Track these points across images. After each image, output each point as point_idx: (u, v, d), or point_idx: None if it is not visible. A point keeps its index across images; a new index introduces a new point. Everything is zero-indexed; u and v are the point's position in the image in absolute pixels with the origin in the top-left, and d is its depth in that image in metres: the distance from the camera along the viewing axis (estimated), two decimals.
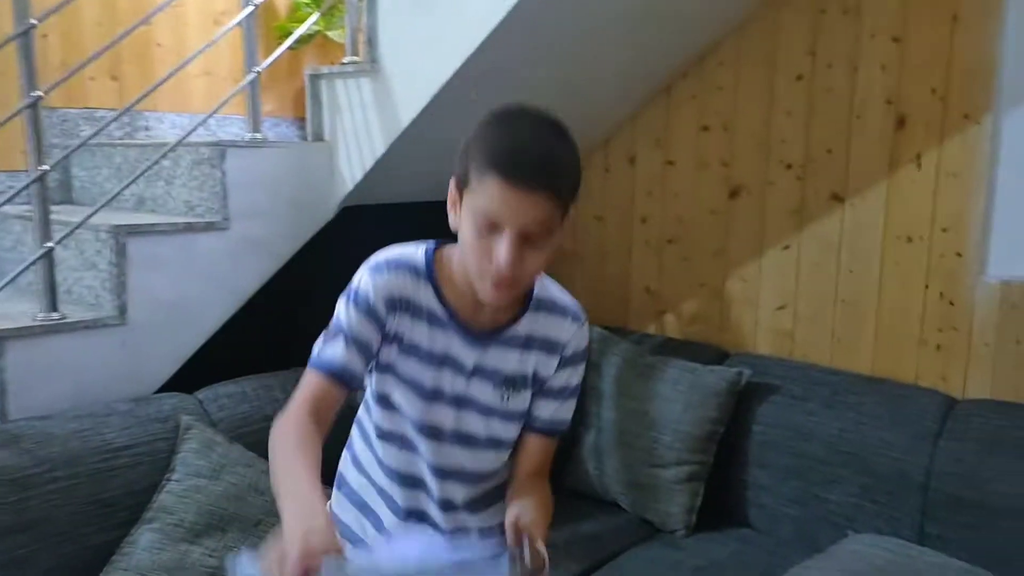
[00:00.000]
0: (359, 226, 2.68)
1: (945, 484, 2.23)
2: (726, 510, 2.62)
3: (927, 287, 2.49)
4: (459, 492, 1.42)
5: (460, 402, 1.37)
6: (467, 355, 1.34)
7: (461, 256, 1.26)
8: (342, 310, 1.31)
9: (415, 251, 1.34)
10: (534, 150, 1.16)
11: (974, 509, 2.17)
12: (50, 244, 2.11)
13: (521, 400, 1.39)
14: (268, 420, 2.29)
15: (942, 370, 2.50)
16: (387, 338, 1.32)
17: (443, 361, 1.34)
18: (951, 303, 2.45)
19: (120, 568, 1.95)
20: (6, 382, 2.07)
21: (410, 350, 1.33)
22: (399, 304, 1.31)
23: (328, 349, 1.30)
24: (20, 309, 2.23)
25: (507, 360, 1.36)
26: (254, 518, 2.07)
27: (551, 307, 1.38)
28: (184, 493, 2.05)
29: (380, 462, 1.43)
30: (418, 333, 1.33)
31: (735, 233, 2.83)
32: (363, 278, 1.31)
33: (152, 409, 2.16)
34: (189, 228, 2.35)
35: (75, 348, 2.18)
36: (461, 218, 1.23)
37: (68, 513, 1.94)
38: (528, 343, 1.37)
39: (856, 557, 1.98)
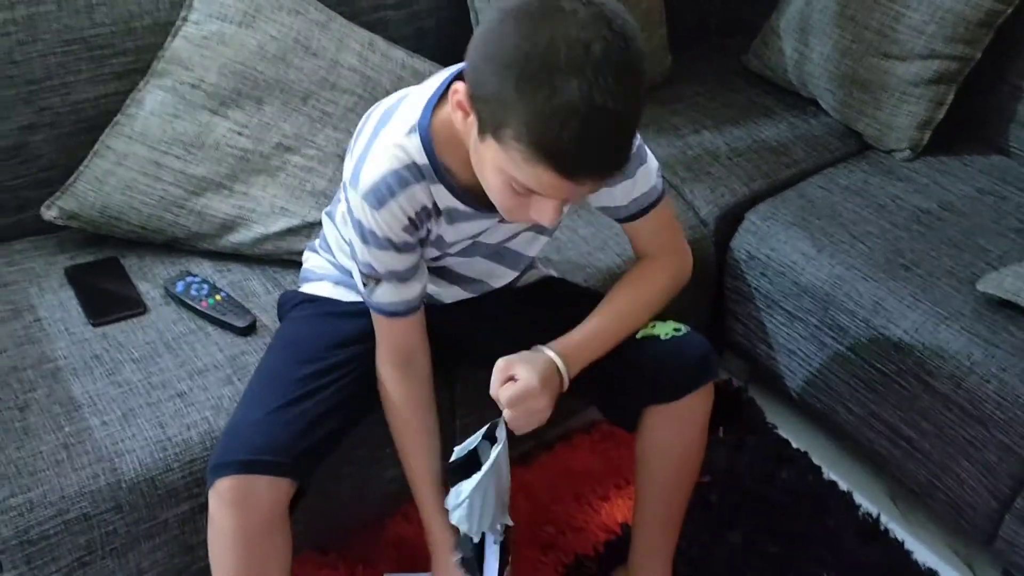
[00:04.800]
0: None
1: None
2: (972, 128, 1.84)
3: None
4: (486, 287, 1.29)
5: (491, 249, 1.20)
6: (493, 221, 1.13)
7: (479, 175, 0.99)
8: (365, 253, 1.07)
9: (407, 147, 1.03)
10: (596, 135, 0.86)
11: None
12: None
13: None
14: None
15: None
16: (422, 242, 1.12)
17: (468, 238, 1.15)
18: None
19: (124, 134, 1.43)
20: None
21: (436, 243, 1.13)
22: (419, 219, 1.07)
23: (379, 295, 1.11)
24: None
25: None
26: (302, 90, 1.46)
27: None
28: (204, 43, 1.44)
29: None
30: (441, 229, 1.11)
31: None
32: (368, 215, 1.04)
33: None
34: None
35: None
36: (483, 160, 0.96)
37: (39, 54, 1.39)
38: None
39: None
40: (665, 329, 1.19)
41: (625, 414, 1.24)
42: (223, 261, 1.46)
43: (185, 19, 1.45)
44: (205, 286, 1.38)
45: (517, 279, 1.31)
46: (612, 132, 0.88)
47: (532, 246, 1.25)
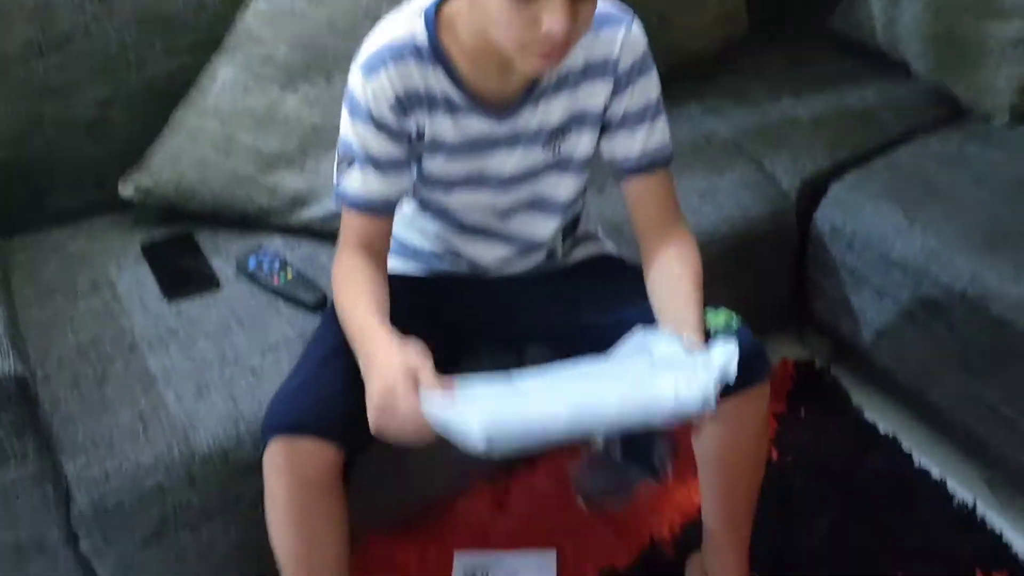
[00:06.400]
0: None
1: None
2: None
3: None
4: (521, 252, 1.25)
5: (505, 183, 1.15)
6: (500, 130, 1.10)
7: (482, 25, 0.97)
8: (347, 127, 1.07)
9: (411, 25, 1.04)
10: None
11: None
12: None
13: (580, 144, 1.14)
14: None
15: None
16: (411, 139, 1.08)
17: (473, 148, 1.11)
18: None
19: (198, 110, 1.44)
20: None
21: (434, 147, 1.10)
22: (410, 102, 1.05)
23: (347, 181, 1.09)
24: None
25: (550, 112, 1.10)
26: None
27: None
28: (276, 18, 1.43)
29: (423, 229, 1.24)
30: (439, 126, 1.08)
31: None
32: (359, 83, 1.04)
33: None
34: None
35: None
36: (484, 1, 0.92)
37: (115, 29, 1.40)
38: (568, 80, 1.09)
39: None
40: (716, 321, 1.09)
41: None
42: (294, 236, 1.46)
43: None
44: (276, 262, 1.38)
45: (568, 237, 1.27)
46: None
47: (560, 187, 1.18)
